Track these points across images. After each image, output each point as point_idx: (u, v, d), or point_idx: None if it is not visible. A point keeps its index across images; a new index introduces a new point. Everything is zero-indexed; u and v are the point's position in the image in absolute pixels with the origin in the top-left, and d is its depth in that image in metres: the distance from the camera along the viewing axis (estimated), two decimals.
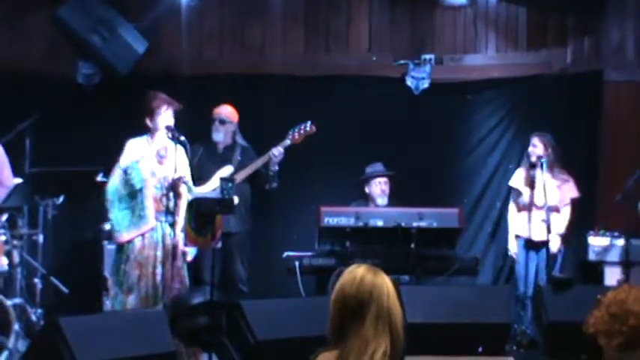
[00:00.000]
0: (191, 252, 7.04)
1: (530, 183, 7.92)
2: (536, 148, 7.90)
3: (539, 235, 7.82)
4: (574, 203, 8.01)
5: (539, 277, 7.74)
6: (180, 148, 6.78)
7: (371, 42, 9.14)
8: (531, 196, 7.91)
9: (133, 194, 6.75)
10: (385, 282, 3.16)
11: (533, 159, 7.86)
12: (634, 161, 7.69)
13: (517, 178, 8.10)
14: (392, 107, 8.89)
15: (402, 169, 8.34)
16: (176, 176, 6.70)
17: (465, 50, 9.13)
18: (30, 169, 7.66)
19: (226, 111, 7.94)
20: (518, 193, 8.05)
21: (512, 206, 8.15)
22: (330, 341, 3.18)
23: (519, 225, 8.01)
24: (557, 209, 7.90)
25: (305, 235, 8.05)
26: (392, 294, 3.14)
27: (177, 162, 6.72)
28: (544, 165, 7.73)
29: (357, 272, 3.17)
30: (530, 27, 9.03)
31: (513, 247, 8.04)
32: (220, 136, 7.90)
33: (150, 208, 6.72)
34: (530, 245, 7.91)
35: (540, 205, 7.80)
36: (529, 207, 7.93)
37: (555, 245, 7.80)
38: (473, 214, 8.89)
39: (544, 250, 7.75)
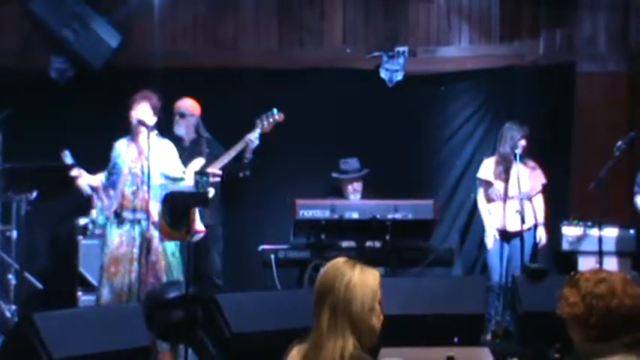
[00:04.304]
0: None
1: (503, 174, 7.92)
2: (525, 138, 7.86)
3: (513, 226, 7.84)
4: (544, 189, 8.04)
5: (513, 266, 7.76)
6: (164, 142, 6.83)
7: (345, 35, 9.13)
8: (505, 187, 7.92)
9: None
10: (353, 273, 3.01)
11: (519, 151, 7.77)
12: (607, 151, 7.73)
13: (486, 170, 8.08)
14: (366, 100, 8.89)
15: (376, 161, 8.35)
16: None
17: (439, 42, 9.13)
18: (3, 164, 7.62)
19: (186, 104, 7.88)
20: (489, 185, 8.04)
21: (481, 199, 8.13)
22: None
23: (494, 217, 8.01)
24: (530, 198, 7.93)
25: (280, 228, 8.04)
26: (353, 284, 2.98)
27: (158, 157, 6.76)
28: (517, 155, 7.74)
29: (332, 264, 3.09)
30: (502, 19, 9.05)
31: (491, 242, 7.97)
32: (181, 130, 7.83)
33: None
34: (504, 236, 7.92)
35: (512, 196, 7.84)
36: (503, 198, 7.93)
37: (543, 236, 7.85)
38: (448, 205, 8.90)
39: (516, 241, 7.76)
